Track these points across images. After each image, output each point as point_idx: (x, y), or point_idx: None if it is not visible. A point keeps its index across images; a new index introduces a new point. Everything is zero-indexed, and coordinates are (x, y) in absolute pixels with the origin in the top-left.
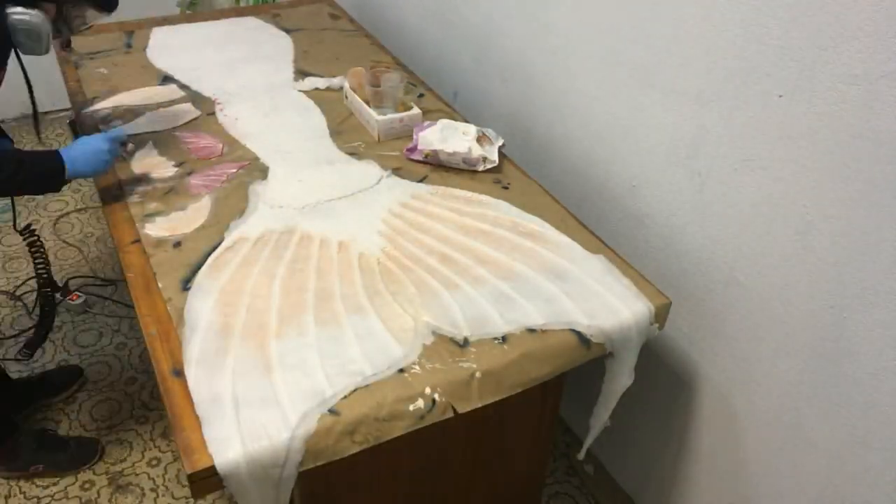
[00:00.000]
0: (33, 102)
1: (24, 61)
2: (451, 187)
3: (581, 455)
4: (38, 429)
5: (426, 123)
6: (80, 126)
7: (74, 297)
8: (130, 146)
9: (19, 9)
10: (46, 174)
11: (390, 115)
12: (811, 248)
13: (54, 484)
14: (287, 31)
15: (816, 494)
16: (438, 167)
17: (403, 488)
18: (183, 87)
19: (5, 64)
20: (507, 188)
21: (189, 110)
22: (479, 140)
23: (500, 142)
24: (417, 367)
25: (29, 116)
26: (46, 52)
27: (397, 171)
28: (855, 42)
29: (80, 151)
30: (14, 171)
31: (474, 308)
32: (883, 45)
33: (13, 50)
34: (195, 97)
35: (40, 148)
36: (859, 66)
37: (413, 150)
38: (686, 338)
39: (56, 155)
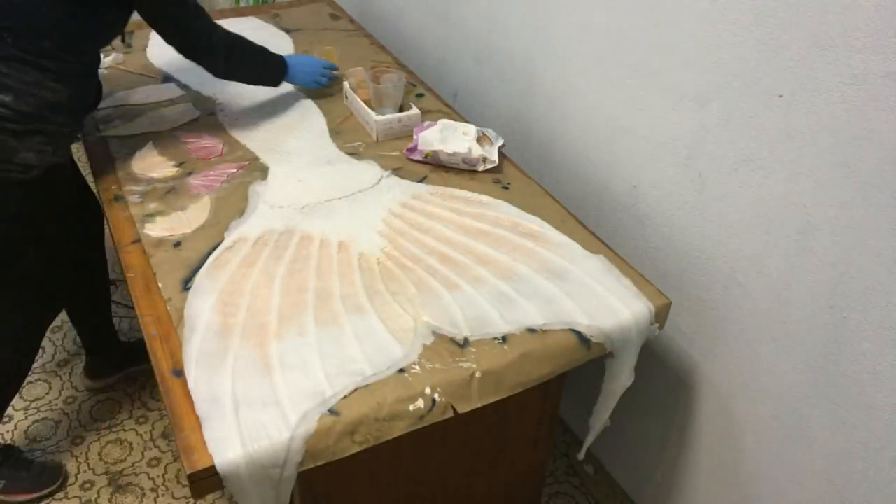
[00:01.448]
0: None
1: None
2: (451, 187)
3: (581, 455)
4: (5, 445)
5: (426, 123)
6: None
7: None
8: (332, 75)
9: None
10: (276, 67)
11: (388, 116)
12: (811, 248)
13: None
14: (287, 31)
15: (816, 494)
16: (438, 167)
17: (403, 488)
18: (183, 87)
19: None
20: (507, 188)
21: (189, 110)
22: (479, 140)
23: (500, 142)
24: (417, 367)
25: None
26: None
27: (397, 171)
28: (855, 42)
29: (300, 62)
30: (262, 59)
31: (474, 308)
32: (883, 45)
33: None
34: (195, 97)
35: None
36: (859, 66)
37: (413, 150)
38: (686, 338)
39: (283, 61)
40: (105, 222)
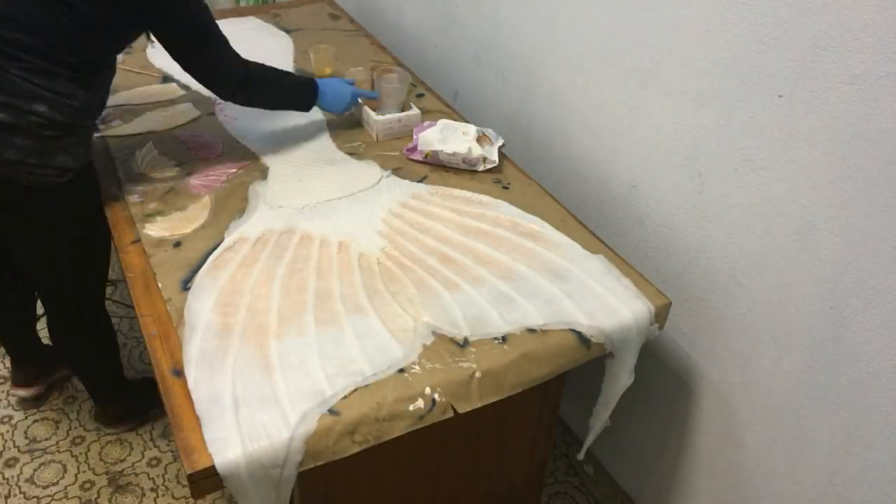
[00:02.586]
0: None
1: None
2: (450, 187)
3: (581, 455)
4: (141, 378)
5: (426, 123)
6: None
7: None
8: (359, 103)
9: None
10: (309, 94)
11: (389, 116)
12: (811, 248)
13: (54, 484)
14: (287, 31)
15: (816, 494)
16: (438, 167)
17: (403, 488)
18: (183, 87)
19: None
20: (507, 188)
21: (189, 110)
22: (479, 140)
23: (500, 142)
24: (417, 367)
25: None
26: None
27: (397, 171)
28: (855, 42)
29: (330, 88)
30: (289, 92)
31: (474, 308)
32: (883, 45)
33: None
34: (195, 97)
35: None
36: (859, 66)
37: (413, 150)
38: (686, 338)
39: (313, 82)
40: None
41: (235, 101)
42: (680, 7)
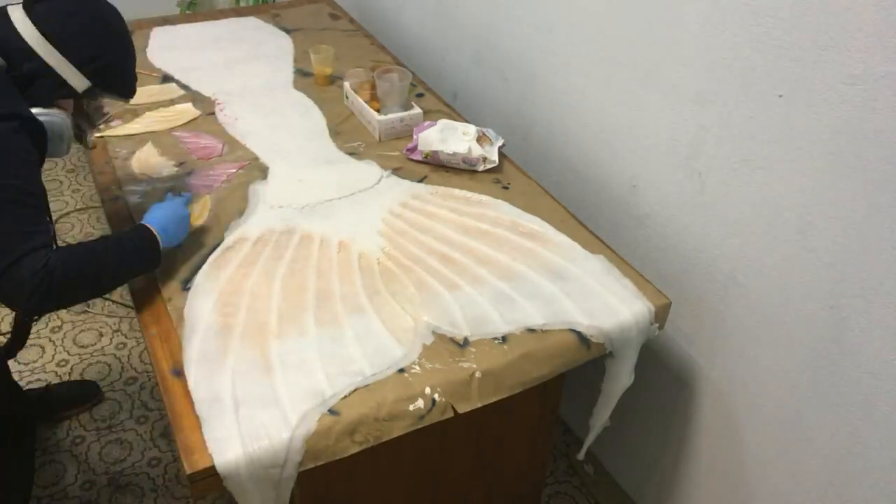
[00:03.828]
0: None
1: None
2: (450, 187)
3: (581, 455)
4: None
5: (426, 123)
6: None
7: None
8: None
9: (38, 110)
10: (152, 256)
11: (391, 115)
12: (811, 248)
13: (54, 484)
14: (287, 31)
15: (816, 494)
16: (438, 167)
17: (403, 488)
18: (183, 87)
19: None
20: (507, 188)
21: (189, 110)
22: (479, 140)
23: (500, 142)
24: (417, 367)
25: None
26: (67, 153)
27: (397, 171)
28: (855, 42)
29: (167, 220)
30: (117, 260)
31: (474, 308)
32: (883, 45)
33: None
34: (195, 97)
35: None
36: (859, 66)
37: (413, 150)
38: (686, 338)
39: (147, 230)
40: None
41: (41, 308)
42: (680, 7)
